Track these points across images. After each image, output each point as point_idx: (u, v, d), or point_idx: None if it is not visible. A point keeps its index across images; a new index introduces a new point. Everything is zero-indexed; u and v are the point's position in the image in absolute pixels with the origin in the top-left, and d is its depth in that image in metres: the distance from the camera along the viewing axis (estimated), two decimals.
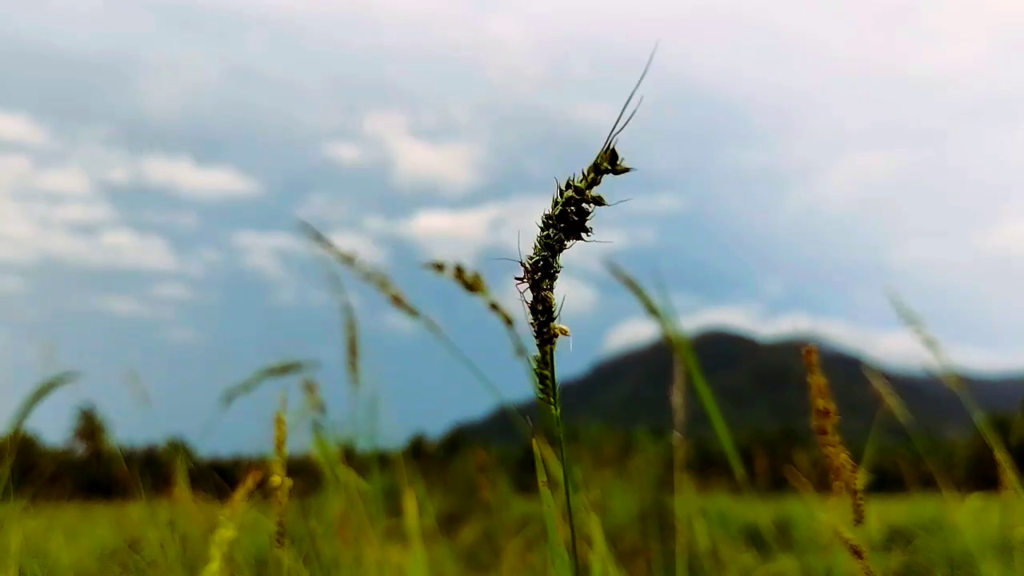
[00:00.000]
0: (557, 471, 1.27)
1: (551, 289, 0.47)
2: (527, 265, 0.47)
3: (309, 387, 1.41)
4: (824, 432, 0.67)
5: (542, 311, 0.47)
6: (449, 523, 4.58)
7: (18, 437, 1.36)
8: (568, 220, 0.45)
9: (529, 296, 0.48)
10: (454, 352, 0.99)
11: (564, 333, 0.48)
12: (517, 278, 0.47)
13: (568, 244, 0.46)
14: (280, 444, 0.75)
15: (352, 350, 1.43)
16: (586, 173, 0.44)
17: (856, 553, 0.65)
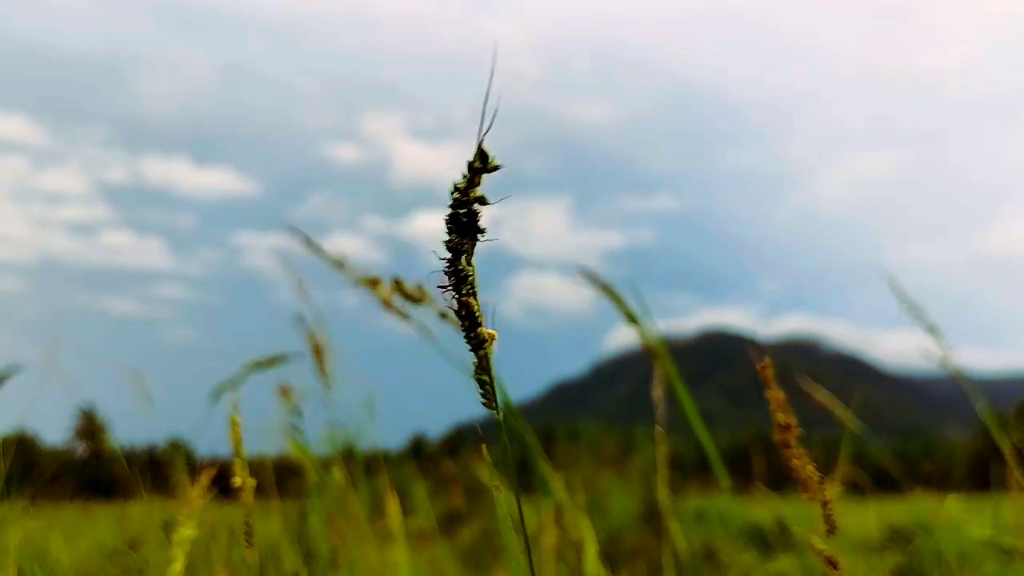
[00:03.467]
0: (548, 474, 1.27)
1: (472, 295, 0.48)
2: (444, 272, 0.47)
3: (284, 391, 1.41)
4: (787, 446, 0.67)
5: (465, 316, 0.48)
6: (449, 523, 4.58)
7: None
8: (460, 223, 0.46)
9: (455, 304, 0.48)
10: (446, 355, 0.99)
11: (491, 338, 0.49)
12: (439, 286, 0.47)
13: (469, 247, 0.47)
14: (238, 445, 0.76)
15: (317, 353, 1.43)
16: (464, 175, 0.45)
17: (831, 564, 0.65)
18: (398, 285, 0.94)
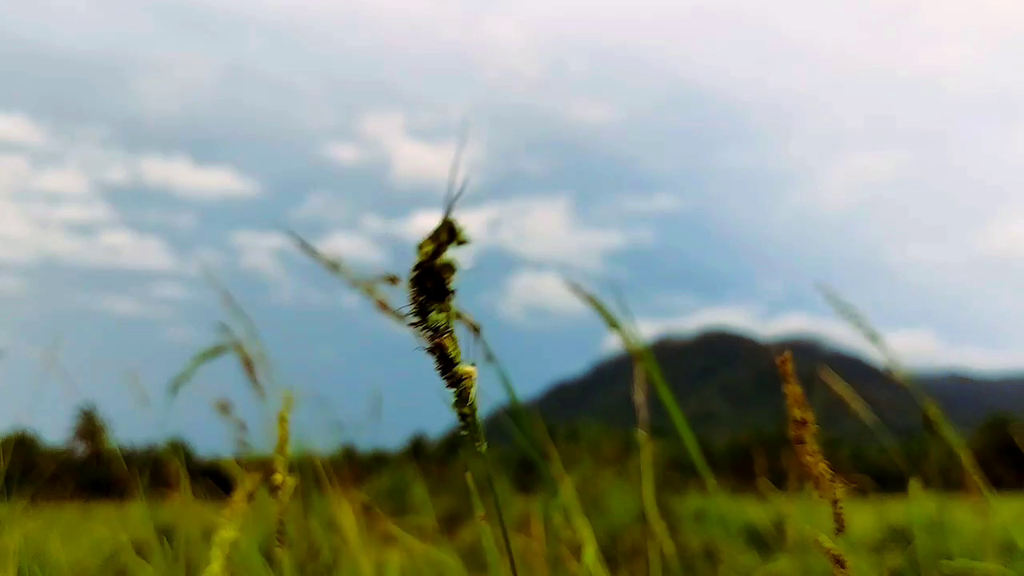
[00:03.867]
0: (554, 471, 1.27)
1: (446, 336, 0.47)
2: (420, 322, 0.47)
3: (223, 407, 1.41)
4: (802, 442, 0.67)
5: (439, 359, 0.48)
6: (449, 523, 4.58)
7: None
8: (426, 288, 0.45)
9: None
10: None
11: (469, 375, 0.49)
12: (412, 325, 0.47)
13: (437, 308, 0.46)
14: (283, 444, 0.75)
15: (248, 367, 1.41)
16: (427, 246, 0.45)
17: (838, 563, 0.65)
18: (393, 282, 0.92)
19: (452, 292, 0.46)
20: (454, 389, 0.49)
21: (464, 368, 0.49)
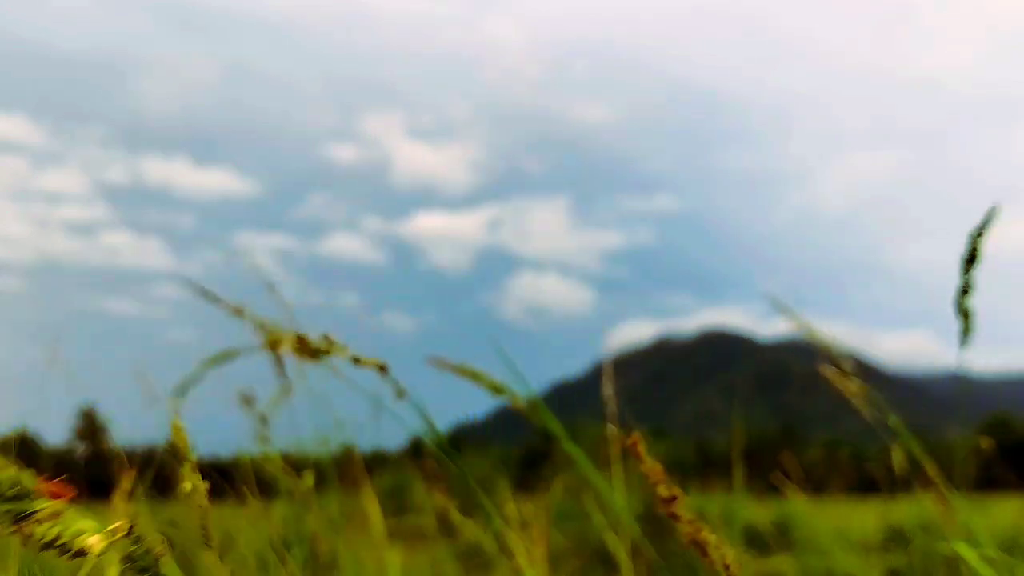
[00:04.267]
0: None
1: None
2: None
3: (246, 399, 1.41)
4: (678, 518, 0.64)
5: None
6: (449, 523, 4.58)
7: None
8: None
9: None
10: (361, 391, 0.96)
11: (92, 550, 0.48)
12: None
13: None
14: (184, 448, 0.75)
15: (278, 360, 1.41)
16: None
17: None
18: (302, 342, 0.88)
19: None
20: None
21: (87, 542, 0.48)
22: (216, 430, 1.45)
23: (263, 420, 1.41)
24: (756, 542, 3.30)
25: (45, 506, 0.46)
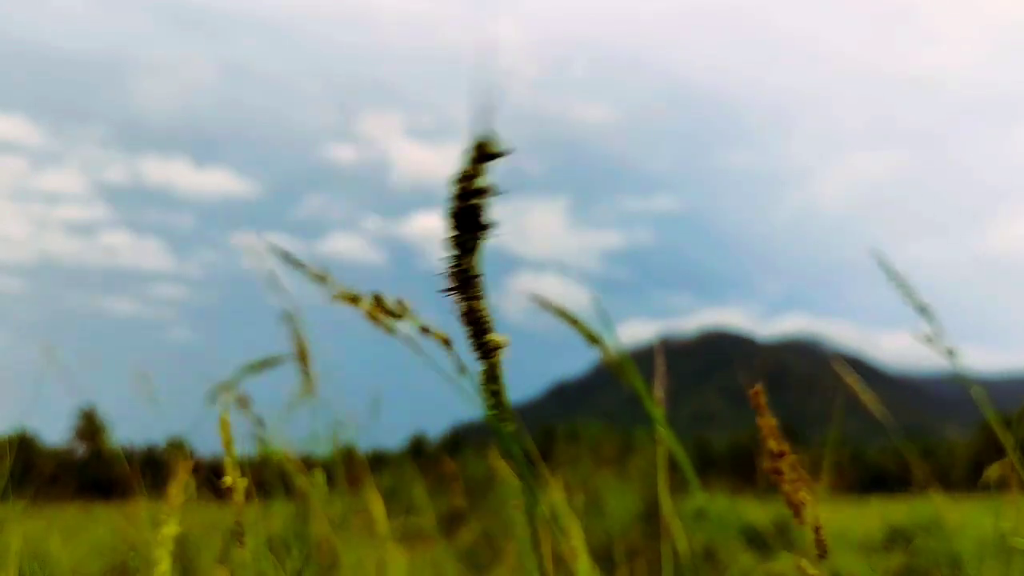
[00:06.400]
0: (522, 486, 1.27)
1: (479, 297, 0.43)
2: (447, 273, 0.42)
3: (242, 402, 1.41)
4: (779, 473, 0.65)
5: (472, 322, 0.43)
6: (449, 523, 4.58)
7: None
8: (463, 217, 0.40)
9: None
10: (435, 367, 0.97)
11: (500, 346, 0.44)
12: (443, 290, 0.42)
13: (474, 244, 0.41)
14: (228, 445, 0.76)
15: (302, 355, 1.42)
16: (466, 164, 0.40)
17: None
18: (379, 301, 0.90)
19: (490, 225, 0.41)
20: (484, 361, 0.44)
21: (496, 337, 0.44)
22: (216, 430, 1.44)
23: (259, 422, 1.42)
24: (756, 542, 3.30)
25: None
